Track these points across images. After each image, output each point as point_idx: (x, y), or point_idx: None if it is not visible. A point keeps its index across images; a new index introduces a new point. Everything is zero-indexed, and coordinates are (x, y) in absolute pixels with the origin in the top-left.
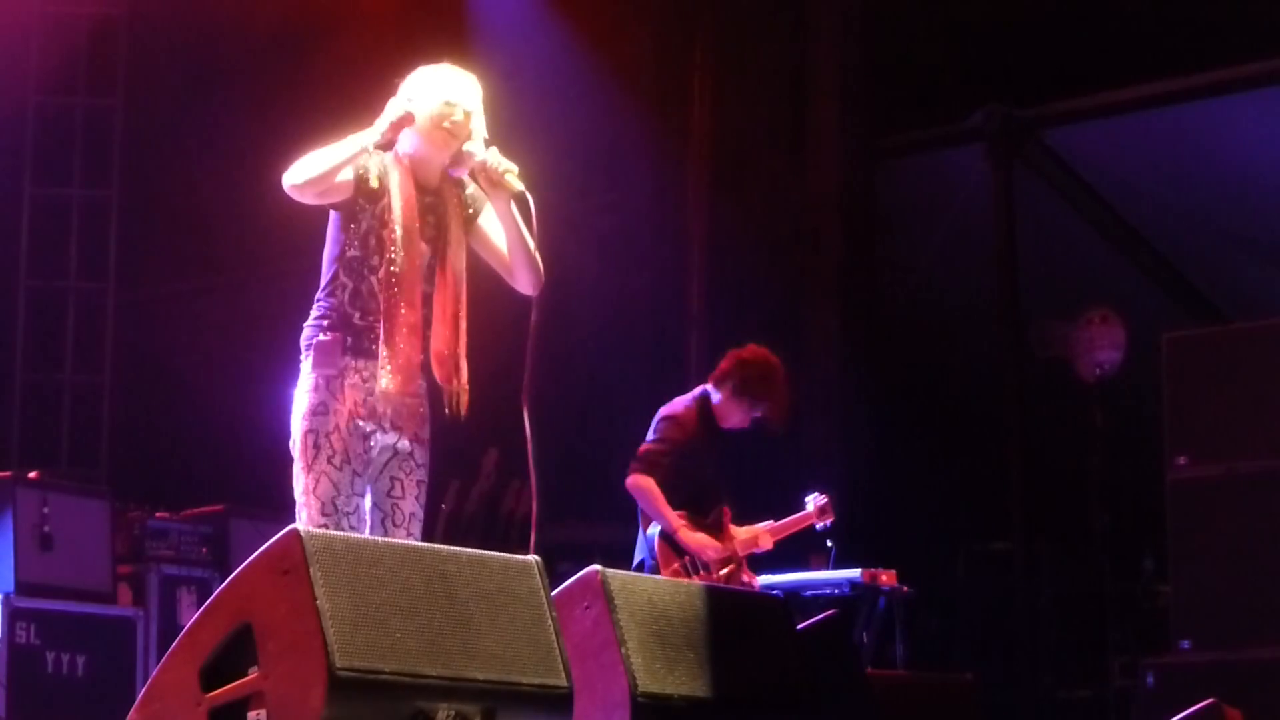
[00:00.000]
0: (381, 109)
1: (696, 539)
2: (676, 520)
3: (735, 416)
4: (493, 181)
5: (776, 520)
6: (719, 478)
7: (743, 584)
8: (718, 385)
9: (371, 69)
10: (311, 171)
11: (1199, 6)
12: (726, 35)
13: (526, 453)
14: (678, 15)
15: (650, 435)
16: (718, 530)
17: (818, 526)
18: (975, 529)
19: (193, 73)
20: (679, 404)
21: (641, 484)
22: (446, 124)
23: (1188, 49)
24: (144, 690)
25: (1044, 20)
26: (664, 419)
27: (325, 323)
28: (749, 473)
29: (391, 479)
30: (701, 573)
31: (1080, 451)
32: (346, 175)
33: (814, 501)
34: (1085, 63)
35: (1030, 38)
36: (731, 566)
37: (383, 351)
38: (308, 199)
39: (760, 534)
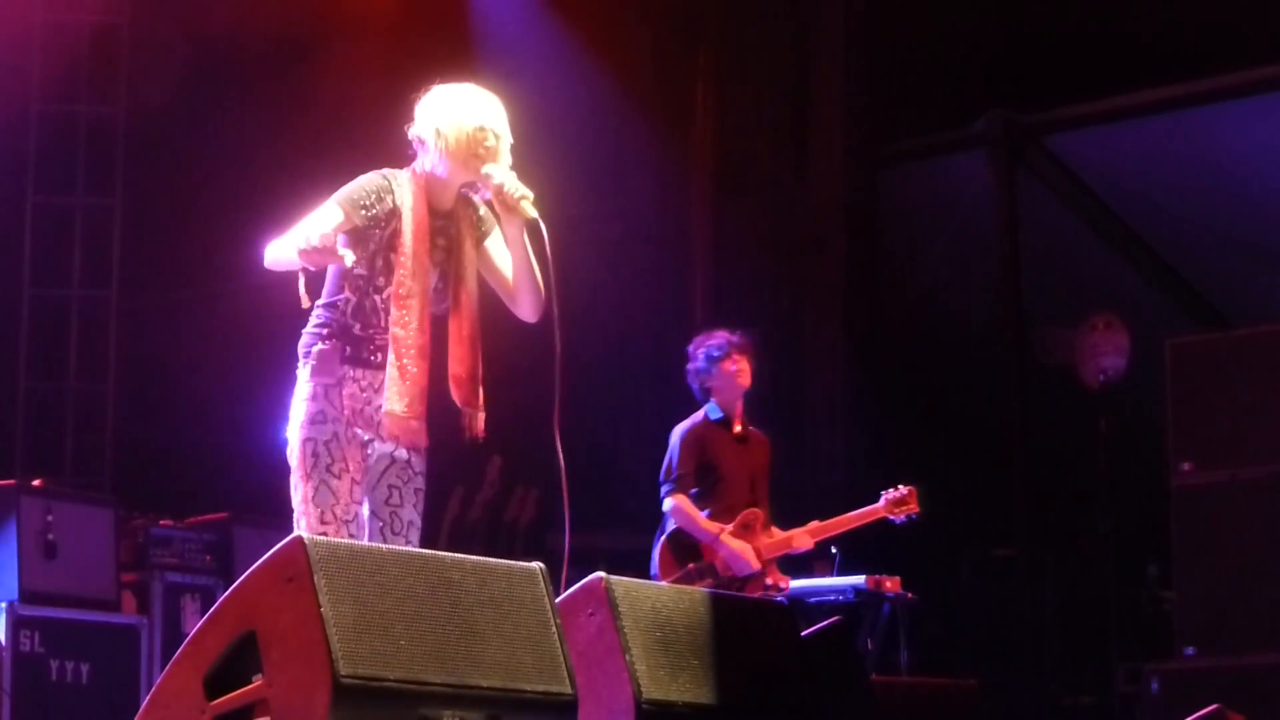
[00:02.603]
0: (382, 118)
1: (736, 545)
2: (716, 527)
3: (725, 388)
4: (507, 206)
5: (823, 520)
6: (745, 481)
7: (765, 588)
8: (697, 385)
9: (374, 76)
10: (277, 264)
11: (1202, 12)
12: (729, 43)
13: (553, 473)
14: (681, 22)
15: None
16: (744, 534)
17: (897, 521)
18: (979, 535)
19: (195, 80)
20: (686, 421)
21: (676, 503)
22: (481, 150)
23: (1191, 54)
24: (148, 698)
25: (1046, 26)
26: (674, 435)
27: (324, 331)
28: None
29: (389, 487)
30: (709, 579)
31: (1084, 457)
32: (352, 224)
33: (889, 495)
34: (1088, 68)
35: (1032, 44)
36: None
37: (391, 373)
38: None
39: (796, 535)
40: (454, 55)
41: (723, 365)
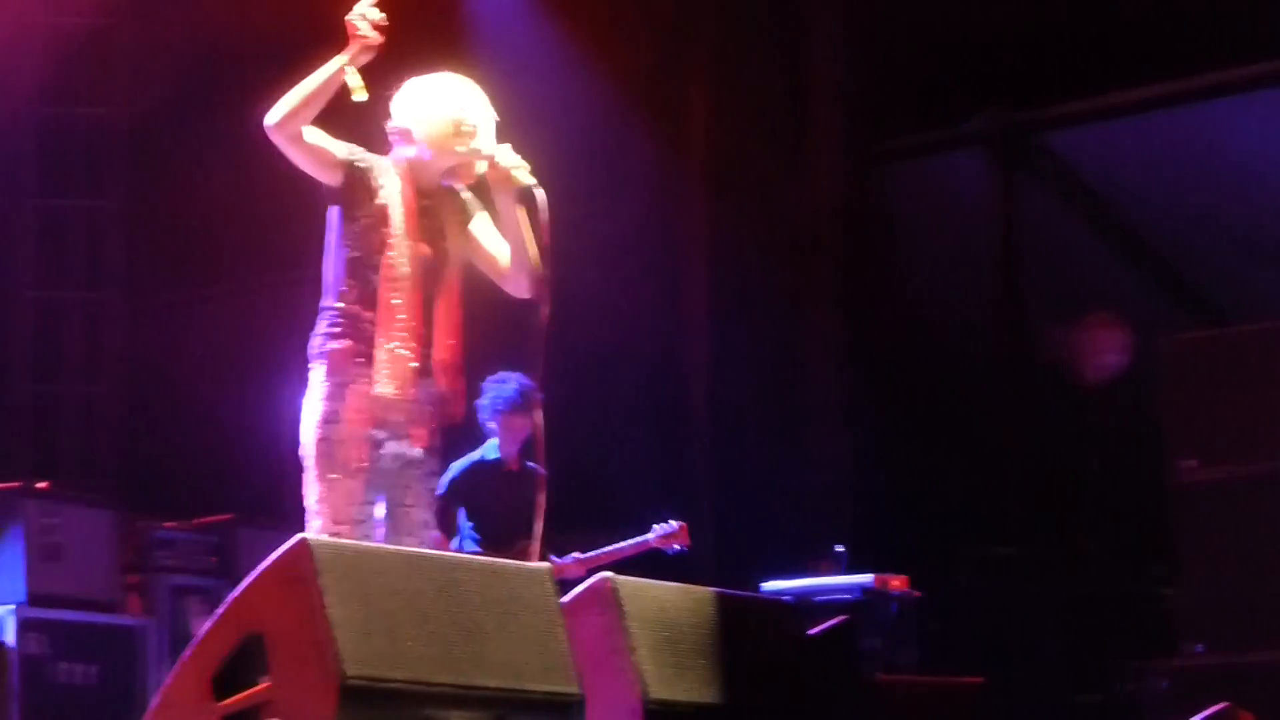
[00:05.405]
0: (379, 118)
1: None
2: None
3: (504, 438)
4: (501, 177)
5: (585, 552)
6: (523, 512)
7: None
8: (482, 420)
9: (371, 77)
10: (290, 103)
11: (1200, 8)
12: (725, 41)
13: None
14: (676, 21)
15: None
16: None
17: (669, 551)
18: (980, 533)
19: (193, 81)
20: (463, 459)
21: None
22: (465, 128)
23: (1189, 51)
24: (156, 699)
25: (1044, 23)
26: (448, 470)
27: (336, 330)
28: (752, 481)
29: (403, 487)
30: None
31: (1085, 455)
32: (338, 153)
33: (659, 529)
34: (1086, 65)
35: (1030, 40)
36: None
37: (380, 355)
38: (291, 143)
39: (567, 567)
40: (449, 54)
41: (502, 419)
